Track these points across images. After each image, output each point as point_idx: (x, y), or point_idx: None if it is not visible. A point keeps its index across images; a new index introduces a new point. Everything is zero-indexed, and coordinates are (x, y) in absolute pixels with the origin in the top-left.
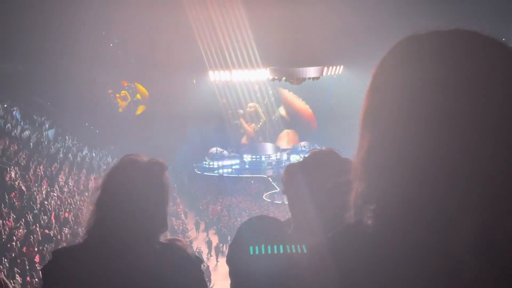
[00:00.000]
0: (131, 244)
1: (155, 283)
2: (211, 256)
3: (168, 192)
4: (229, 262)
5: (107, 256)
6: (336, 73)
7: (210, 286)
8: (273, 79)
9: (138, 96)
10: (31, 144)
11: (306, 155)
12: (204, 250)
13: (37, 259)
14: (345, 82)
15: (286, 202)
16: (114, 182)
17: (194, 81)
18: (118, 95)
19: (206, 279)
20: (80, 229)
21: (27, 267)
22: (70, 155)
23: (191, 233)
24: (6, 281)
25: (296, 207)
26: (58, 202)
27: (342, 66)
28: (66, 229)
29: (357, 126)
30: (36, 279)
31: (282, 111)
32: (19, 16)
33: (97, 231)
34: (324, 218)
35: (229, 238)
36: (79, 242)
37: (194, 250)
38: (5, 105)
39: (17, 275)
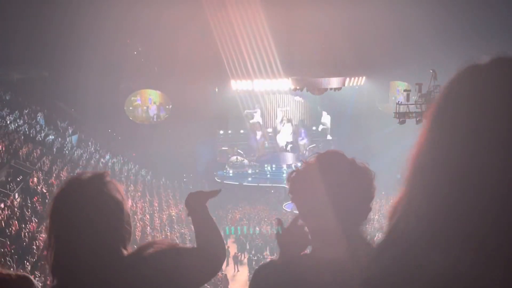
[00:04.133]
0: (99, 271)
1: None
2: (227, 265)
3: (115, 202)
4: None
5: None
6: (358, 84)
7: None
8: (295, 89)
9: (160, 103)
10: (54, 149)
11: (308, 160)
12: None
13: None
14: (367, 93)
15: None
16: (57, 207)
17: (216, 90)
18: (136, 104)
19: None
20: None
21: (48, 271)
22: (92, 160)
23: None
24: (33, 280)
25: (310, 216)
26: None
27: (364, 77)
28: None
29: (378, 139)
30: None
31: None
32: (45, 24)
33: (60, 269)
34: (343, 224)
35: (247, 247)
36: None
37: None
38: (30, 111)
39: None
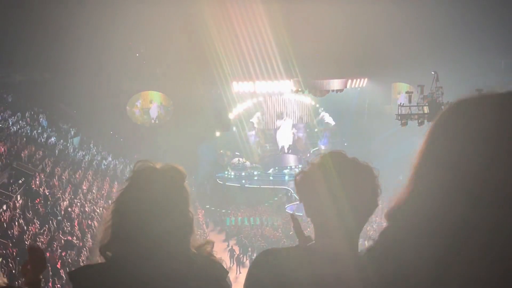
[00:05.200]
0: (160, 256)
1: None
2: (232, 265)
3: (188, 195)
4: None
5: (139, 272)
6: (360, 85)
7: None
8: (297, 91)
9: (161, 104)
10: (56, 151)
11: (312, 160)
12: (227, 260)
13: (58, 265)
14: (369, 95)
15: (301, 213)
16: (136, 190)
17: (218, 91)
18: (137, 106)
19: None
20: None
21: (50, 273)
22: (94, 162)
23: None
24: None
25: (317, 215)
26: (82, 209)
27: (366, 79)
28: (89, 236)
29: (380, 140)
30: (59, 285)
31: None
32: (47, 26)
33: (121, 247)
34: (349, 221)
35: (250, 249)
36: (103, 261)
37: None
38: (32, 113)
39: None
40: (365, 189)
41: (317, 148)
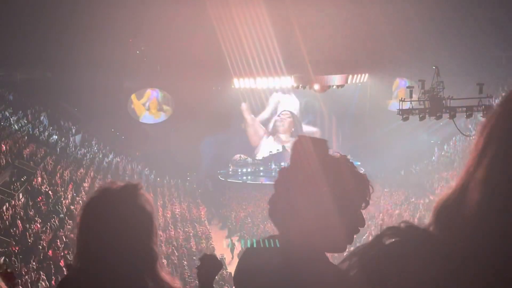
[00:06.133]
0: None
1: None
2: (232, 259)
3: (146, 216)
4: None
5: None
6: (361, 81)
7: None
8: (297, 87)
9: (162, 102)
10: (58, 149)
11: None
12: (228, 256)
13: (62, 263)
14: (370, 90)
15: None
16: (88, 216)
17: (219, 88)
18: (139, 102)
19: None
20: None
21: (53, 271)
22: (96, 160)
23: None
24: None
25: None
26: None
27: (367, 74)
28: None
29: (381, 136)
30: None
31: None
32: (48, 24)
33: (85, 273)
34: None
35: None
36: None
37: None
38: (33, 111)
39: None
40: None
41: None
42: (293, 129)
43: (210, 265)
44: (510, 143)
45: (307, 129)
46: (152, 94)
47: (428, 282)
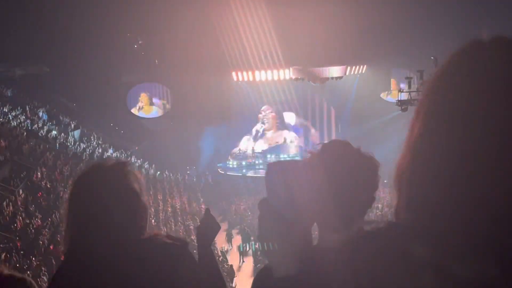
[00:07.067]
0: (112, 250)
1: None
2: (231, 248)
3: (133, 190)
4: None
5: (96, 270)
6: (359, 72)
7: (233, 287)
8: (296, 79)
9: (161, 96)
10: (57, 144)
11: (314, 150)
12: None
13: (63, 257)
14: (368, 82)
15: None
16: (79, 189)
17: (218, 81)
18: (137, 97)
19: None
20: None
21: (54, 266)
22: (95, 155)
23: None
24: (33, 283)
25: (316, 206)
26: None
27: (365, 66)
28: None
29: (380, 127)
30: None
31: None
32: (45, 18)
33: (76, 246)
34: (348, 214)
35: (252, 238)
36: (64, 260)
37: (219, 249)
38: (32, 106)
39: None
40: (364, 182)
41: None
42: (278, 122)
43: (209, 226)
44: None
45: (291, 119)
46: (149, 88)
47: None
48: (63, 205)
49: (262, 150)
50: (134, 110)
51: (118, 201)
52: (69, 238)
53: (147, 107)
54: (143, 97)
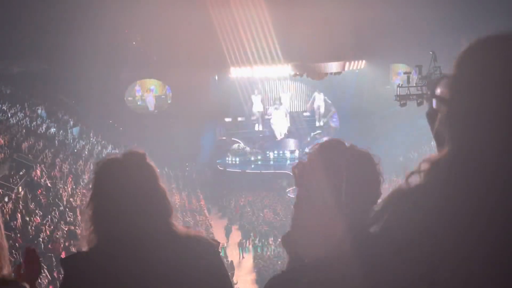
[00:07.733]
0: (143, 239)
1: (178, 273)
2: (228, 242)
3: (151, 173)
4: None
5: (122, 258)
6: (358, 67)
7: (234, 283)
8: (295, 75)
9: (160, 92)
10: (56, 141)
11: (311, 151)
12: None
13: (63, 255)
14: (367, 77)
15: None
16: (102, 184)
17: (216, 78)
18: (136, 94)
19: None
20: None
21: (54, 263)
22: (94, 152)
23: (214, 231)
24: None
25: (317, 208)
26: (84, 199)
27: (364, 61)
28: None
29: (379, 122)
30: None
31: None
32: (43, 16)
33: (102, 234)
34: (351, 214)
35: (252, 234)
36: (89, 248)
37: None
38: (31, 104)
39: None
40: (364, 179)
41: (318, 131)
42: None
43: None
44: None
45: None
46: (148, 85)
47: None
48: (86, 199)
49: (261, 147)
50: (131, 100)
51: (141, 187)
52: (96, 229)
53: (144, 94)
54: (141, 83)
